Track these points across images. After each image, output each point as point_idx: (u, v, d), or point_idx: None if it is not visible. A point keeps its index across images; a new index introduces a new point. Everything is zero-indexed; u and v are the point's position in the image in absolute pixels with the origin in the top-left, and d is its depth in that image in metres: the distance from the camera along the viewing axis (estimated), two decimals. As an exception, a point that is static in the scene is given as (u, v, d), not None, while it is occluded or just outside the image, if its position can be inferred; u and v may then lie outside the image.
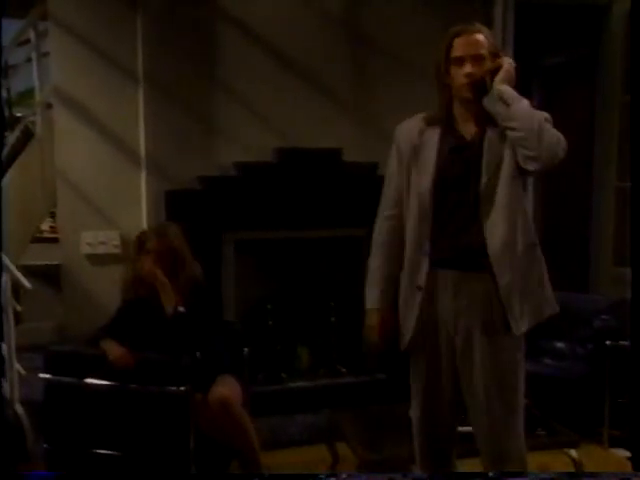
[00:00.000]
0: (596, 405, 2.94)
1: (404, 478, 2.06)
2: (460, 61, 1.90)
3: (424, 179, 1.96)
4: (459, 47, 1.91)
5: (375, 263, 2.10)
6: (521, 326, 1.93)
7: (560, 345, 3.18)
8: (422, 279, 1.97)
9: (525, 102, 1.87)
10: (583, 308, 3.21)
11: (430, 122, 2.00)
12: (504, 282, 1.90)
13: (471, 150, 1.93)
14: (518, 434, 1.97)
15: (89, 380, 2.45)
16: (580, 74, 4.41)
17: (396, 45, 3.54)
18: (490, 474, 1.94)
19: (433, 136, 1.98)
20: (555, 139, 1.83)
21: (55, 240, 3.92)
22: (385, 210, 2.08)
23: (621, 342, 2.84)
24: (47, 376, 2.50)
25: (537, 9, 3.96)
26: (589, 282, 4.22)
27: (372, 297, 2.11)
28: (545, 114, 1.90)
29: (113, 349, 2.48)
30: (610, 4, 3.96)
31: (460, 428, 2.06)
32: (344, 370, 3.55)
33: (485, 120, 1.92)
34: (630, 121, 2.42)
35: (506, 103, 1.86)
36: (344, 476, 2.25)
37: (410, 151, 2.00)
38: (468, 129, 1.95)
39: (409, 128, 2.04)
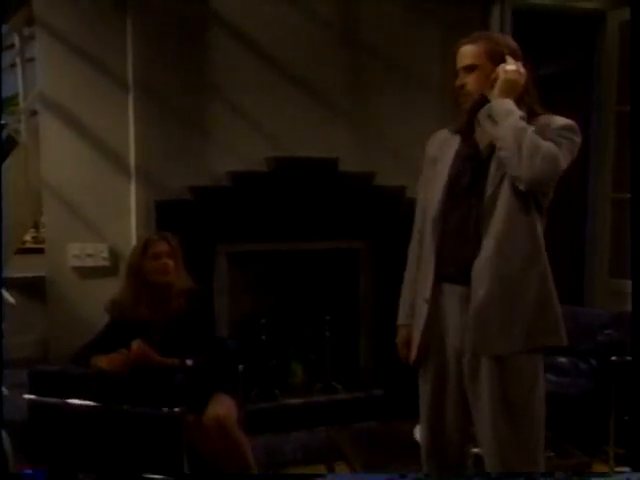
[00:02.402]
0: (601, 422, 2.87)
1: (402, 479, 1.98)
2: (457, 74, 1.92)
3: (437, 189, 1.93)
4: (456, 61, 1.93)
5: (405, 278, 2.09)
6: (494, 349, 1.83)
7: (562, 360, 3.11)
8: (428, 292, 1.92)
9: (512, 119, 1.78)
10: (585, 322, 3.15)
11: (454, 131, 1.98)
12: (477, 298, 1.82)
13: (481, 160, 1.87)
14: (532, 462, 1.87)
15: (76, 401, 2.33)
16: (574, 83, 4.39)
17: (393, 52, 3.50)
18: (492, 475, 1.86)
19: (453, 145, 1.95)
20: (538, 160, 1.73)
21: (38, 251, 3.82)
22: (416, 224, 2.08)
23: (627, 357, 2.77)
24: (32, 397, 2.38)
25: (530, 18, 3.93)
26: (584, 294, 4.18)
27: (400, 313, 2.10)
28: (570, 122, 1.84)
29: (108, 358, 2.41)
30: (604, 13, 3.94)
31: (475, 450, 1.98)
32: (340, 386, 3.47)
33: None
34: (630, 130, 2.37)
35: (494, 121, 1.82)
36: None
37: (431, 162, 2.00)
38: (483, 138, 1.90)
39: (435, 139, 2.04)
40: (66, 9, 3.15)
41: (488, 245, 1.82)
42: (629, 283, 3.72)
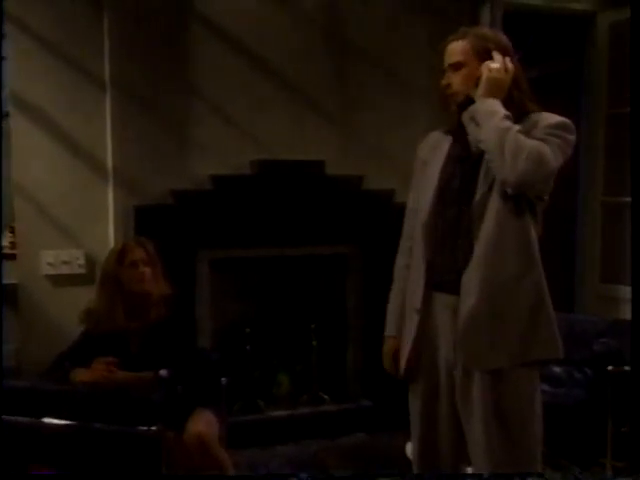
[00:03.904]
0: (597, 434, 2.80)
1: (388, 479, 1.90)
2: (444, 73, 1.85)
3: (428, 192, 1.85)
4: (443, 59, 1.86)
5: (393, 289, 2.01)
6: (485, 364, 1.75)
7: (557, 370, 3.03)
8: (419, 301, 1.84)
9: (495, 120, 1.70)
10: (580, 330, 3.07)
11: (446, 132, 1.90)
12: (465, 309, 1.74)
13: (472, 161, 1.78)
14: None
15: (48, 419, 2.21)
16: (564, 85, 4.35)
17: (381, 54, 3.44)
18: (484, 475, 1.79)
19: (444, 147, 1.87)
20: (521, 161, 1.65)
21: (14, 257, 3.69)
22: (405, 230, 2.00)
23: (624, 367, 2.71)
24: (-1, 415, 2.25)
25: (520, 18, 3.89)
26: (575, 299, 4.13)
27: (388, 323, 2.02)
28: (563, 120, 1.75)
29: (90, 370, 2.32)
30: (595, 14, 3.90)
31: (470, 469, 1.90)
32: (327, 397, 3.40)
33: None
34: (630, 133, 2.31)
35: (477, 123, 1.74)
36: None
37: (422, 165, 1.93)
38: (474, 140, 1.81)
39: (426, 141, 1.97)
40: (40, 6, 3.04)
41: (478, 252, 1.74)
42: (620, 288, 3.71)
